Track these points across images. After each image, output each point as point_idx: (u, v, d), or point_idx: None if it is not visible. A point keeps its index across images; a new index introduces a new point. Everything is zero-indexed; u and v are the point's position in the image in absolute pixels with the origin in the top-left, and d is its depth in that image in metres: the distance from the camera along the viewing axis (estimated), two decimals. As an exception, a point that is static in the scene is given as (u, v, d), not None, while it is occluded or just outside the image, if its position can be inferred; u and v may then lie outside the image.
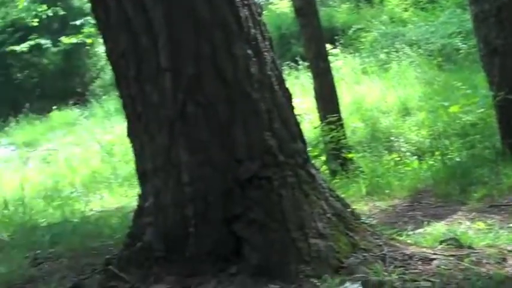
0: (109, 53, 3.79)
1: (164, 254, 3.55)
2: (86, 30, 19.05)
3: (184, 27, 3.46)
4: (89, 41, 19.13)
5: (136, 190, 7.38)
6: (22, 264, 4.44)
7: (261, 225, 3.39)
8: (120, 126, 13.21)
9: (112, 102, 16.10)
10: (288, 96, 3.77)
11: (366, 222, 3.75)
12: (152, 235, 3.61)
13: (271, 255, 3.33)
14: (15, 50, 18.94)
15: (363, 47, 13.91)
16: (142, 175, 3.78)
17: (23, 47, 18.95)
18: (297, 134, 3.75)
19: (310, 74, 12.46)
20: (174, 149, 3.53)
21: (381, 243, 3.53)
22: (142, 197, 3.80)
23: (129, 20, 3.51)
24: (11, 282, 4.04)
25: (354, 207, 3.91)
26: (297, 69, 13.00)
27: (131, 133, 3.80)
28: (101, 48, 19.48)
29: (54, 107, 17.35)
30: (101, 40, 18.86)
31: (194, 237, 3.48)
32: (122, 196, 7.52)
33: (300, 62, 12.78)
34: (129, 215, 5.76)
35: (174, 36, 3.46)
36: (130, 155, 10.07)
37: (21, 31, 19.28)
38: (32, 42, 19.01)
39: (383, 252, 3.42)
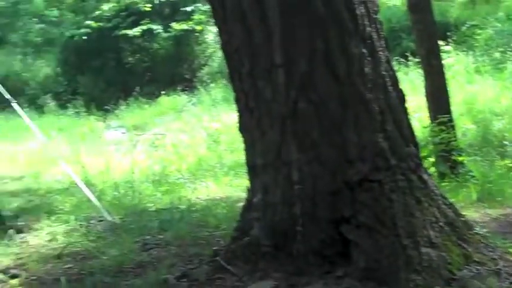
0: (224, 46, 3.83)
1: (271, 250, 3.58)
2: (196, 17, 19.37)
3: (299, 23, 3.45)
4: (198, 27, 19.45)
5: (241, 180, 7.54)
6: (132, 248, 4.59)
7: (370, 229, 3.36)
8: (226, 114, 13.37)
9: (219, 90, 16.30)
10: (402, 98, 3.70)
11: (480, 233, 3.63)
12: (260, 230, 3.65)
13: (381, 260, 3.29)
14: (128, 34, 19.46)
15: (476, 44, 13.44)
16: (252, 170, 3.81)
17: (135, 31, 19.44)
18: (409, 137, 3.69)
19: (420, 70, 12.23)
20: (285, 145, 3.54)
21: (495, 257, 3.42)
22: (251, 192, 3.83)
23: (244, 14, 3.52)
24: (122, 265, 4.17)
25: (464, 213, 3.80)
26: (407, 65, 12.73)
27: (243, 127, 3.83)
28: (210, 36, 19.77)
29: (162, 92, 17.71)
30: (210, 28, 19.20)
31: (301, 236, 3.49)
32: (227, 185, 7.59)
33: (410, 58, 12.51)
34: (235, 206, 5.87)
35: (288, 32, 3.46)
36: (237, 145, 10.22)
37: (134, 16, 19.78)
38: (143, 27, 19.47)
39: (498, 267, 3.32)
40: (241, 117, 3.81)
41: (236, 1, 3.55)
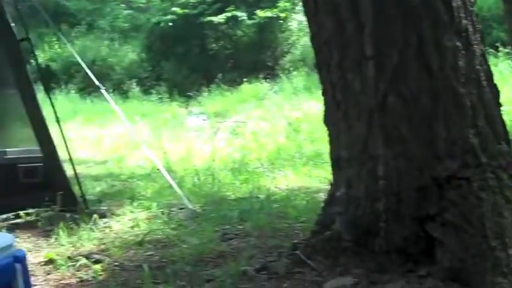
0: (313, 38, 3.77)
1: (352, 246, 3.50)
2: (281, 4, 19.33)
3: (392, 15, 3.35)
4: (283, 15, 19.41)
5: (320, 171, 7.46)
6: (212, 237, 4.59)
7: (456, 227, 3.23)
8: (307, 103, 13.30)
9: (301, 79, 16.23)
10: (496, 93, 3.55)
11: None
12: (342, 225, 3.57)
13: (466, 260, 3.16)
14: (212, 21, 19.63)
15: None
16: (336, 163, 3.73)
17: (220, 18, 19.60)
18: (502, 134, 3.52)
19: (510, 62, 11.83)
20: (371, 139, 3.45)
21: None
22: (334, 185, 3.75)
23: (336, 6, 3.46)
24: (202, 254, 4.17)
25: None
26: (496, 56, 12.32)
27: (328, 120, 3.76)
28: (294, 23, 19.71)
29: (244, 79, 17.78)
30: (294, 15, 19.15)
31: (384, 232, 3.40)
32: (306, 176, 7.51)
33: (500, 48, 12.11)
34: (315, 198, 5.80)
35: (380, 24, 3.36)
36: (317, 134, 10.13)
37: (219, 2, 19.93)
38: (228, 14, 19.61)
39: None
40: (327, 109, 3.74)
41: None
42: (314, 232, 3.77)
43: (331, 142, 3.79)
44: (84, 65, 6.82)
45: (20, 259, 2.86)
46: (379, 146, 3.41)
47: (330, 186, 3.83)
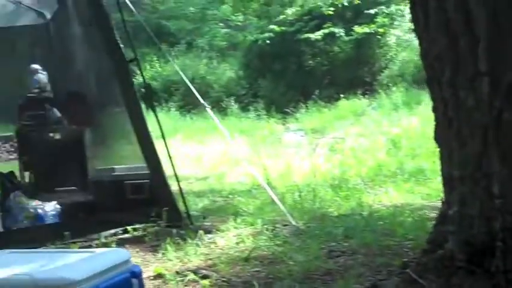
0: (424, 55, 3.69)
1: (466, 265, 3.40)
2: (379, 19, 19.17)
3: (507, 28, 3.25)
4: (381, 30, 19.23)
5: (422, 187, 7.30)
6: (318, 255, 4.57)
7: None
8: (407, 119, 13.11)
9: (400, 94, 16.00)
10: None
11: None
12: (454, 244, 3.48)
13: None
14: (310, 38, 19.68)
15: None
16: (448, 181, 3.64)
17: (317, 35, 19.63)
18: None
19: None
20: (486, 157, 3.35)
21: None
22: (446, 204, 3.66)
23: (448, 21, 3.39)
24: (309, 271, 4.16)
25: None
26: None
27: (439, 137, 3.68)
28: (392, 39, 19.48)
29: (342, 95, 17.69)
30: (392, 30, 18.87)
31: (501, 252, 3.28)
32: (408, 192, 7.39)
33: None
34: (420, 215, 5.70)
35: (495, 38, 3.27)
36: (417, 150, 9.93)
37: (317, 19, 19.97)
38: (325, 31, 19.61)
39: None
40: (438, 126, 3.66)
41: (440, 9, 3.41)
42: (425, 251, 3.69)
43: (442, 160, 3.70)
44: (189, 84, 6.99)
45: (137, 274, 2.94)
46: (494, 163, 3.31)
47: (441, 204, 3.74)
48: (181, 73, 7.64)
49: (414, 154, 10.01)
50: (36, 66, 9.38)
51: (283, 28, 20.26)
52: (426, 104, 14.17)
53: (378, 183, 8.09)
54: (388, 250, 4.53)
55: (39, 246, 4.97)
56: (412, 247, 4.41)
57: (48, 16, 8.27)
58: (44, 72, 9.14)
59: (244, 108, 18.91)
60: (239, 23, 24.38)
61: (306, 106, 17.94)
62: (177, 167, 6.57)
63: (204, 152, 13.07)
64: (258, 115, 18.09)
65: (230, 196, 7.98)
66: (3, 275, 2.62)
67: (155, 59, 21.41)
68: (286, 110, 18.19)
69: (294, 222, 5.71)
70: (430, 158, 9.27)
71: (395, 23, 19.43)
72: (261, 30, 21.23)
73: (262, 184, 6.61)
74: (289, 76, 20.04)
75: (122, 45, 6.18)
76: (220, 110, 18.25)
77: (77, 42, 7.78)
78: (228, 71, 21.98)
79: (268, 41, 20.24)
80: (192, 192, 8.33)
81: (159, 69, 21.47)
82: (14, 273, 2.62)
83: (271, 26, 20.51)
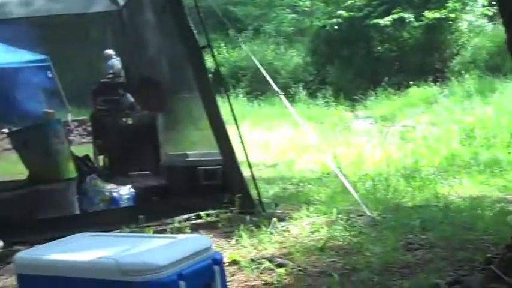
0: (510, 43, 3.57)
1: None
2: (451, 4, 18.73)
3: None
4: (452, 15, 18.79)
5: (498, 179, 7.08)
6: (396, 247, 4.48)
7: None
8: (481, 108, 12.76)
9: (472, 82, 15.59)
10: None
11: None
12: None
13: None
14: (378, 24, 19.39)
15: None
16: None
17: (386, 20, 19.33)
18: None
19: None
20: None
21: None
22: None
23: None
24: (387, 263, 4.08)
25: None
26: None
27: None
28: (464, 24, 19.01)
29: (411, 83, 17.37)
30: (464, 15, 18.39)
31: None
32: (483, 184, 7.18)
33: None
34: (501, 208, 5.53)
35: None
36: (492, 141, 9.64)
37: (386, 4, 19.67)
38: (395, 16, 19.30)
39: None
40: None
41: None
42: (509, 246, 3.57)
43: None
44: (263, 70, 6.93)
45: (218, 261, 2.93)
46: None
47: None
48: (254, 59, 7.61)
49: (489, 144, 9.74)
50: (110, 51, 9.53)
51: (351, 13, 20.03)
52: (501, 92, 13.82)
53: (452, 173, 7.89)
54: (469, 244, 4.41)
55: (114, 229, 5.03)
56: (494, 242, 4.28)
57: (122, 3, 8.35)
58: (118, 58, 9.27)
59: (312, 95, 18.79)
60: (306, 8, 24.22)
61: (375, 93, 17.71)
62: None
63: (271, 138, 13.03)
64: (326, 102, 17.96)
65: (301, 184, 7.92)
66: (88, 258, 2.65)
67: (222, 44, 21.47)
68: (355, 97, 18.01)
69: (368, 213, 5.62)
70: (505, 149, 9.02)
71: (467, 7, 18.95)
72: (328, 16, 21.04)
73: (335, 172, 6.52)
74: (357, 62, 19.81)
75: (195, 31, 6.17)
76: (288, 96, 18.14)
77: (150, 28, 7.83)
78: (295, 57, 21.87)
79: (336, 27, 20.06)
80: (262, 179, 8.29)
81: (227, 55, 21.52)
82: (98, 256, 2.64)
83: (339, 12, 20.31)
